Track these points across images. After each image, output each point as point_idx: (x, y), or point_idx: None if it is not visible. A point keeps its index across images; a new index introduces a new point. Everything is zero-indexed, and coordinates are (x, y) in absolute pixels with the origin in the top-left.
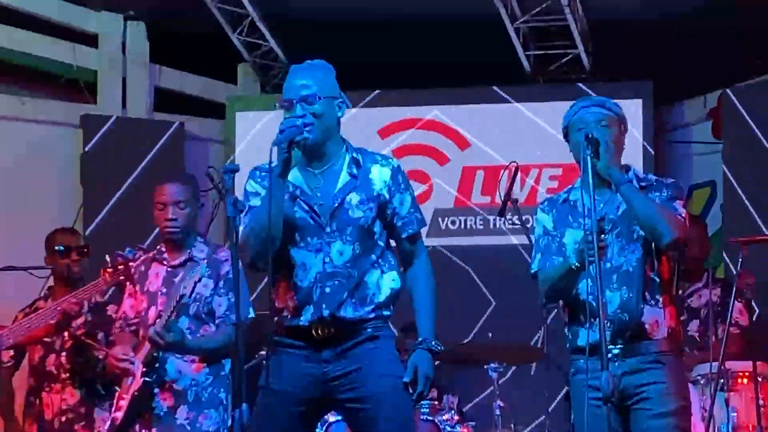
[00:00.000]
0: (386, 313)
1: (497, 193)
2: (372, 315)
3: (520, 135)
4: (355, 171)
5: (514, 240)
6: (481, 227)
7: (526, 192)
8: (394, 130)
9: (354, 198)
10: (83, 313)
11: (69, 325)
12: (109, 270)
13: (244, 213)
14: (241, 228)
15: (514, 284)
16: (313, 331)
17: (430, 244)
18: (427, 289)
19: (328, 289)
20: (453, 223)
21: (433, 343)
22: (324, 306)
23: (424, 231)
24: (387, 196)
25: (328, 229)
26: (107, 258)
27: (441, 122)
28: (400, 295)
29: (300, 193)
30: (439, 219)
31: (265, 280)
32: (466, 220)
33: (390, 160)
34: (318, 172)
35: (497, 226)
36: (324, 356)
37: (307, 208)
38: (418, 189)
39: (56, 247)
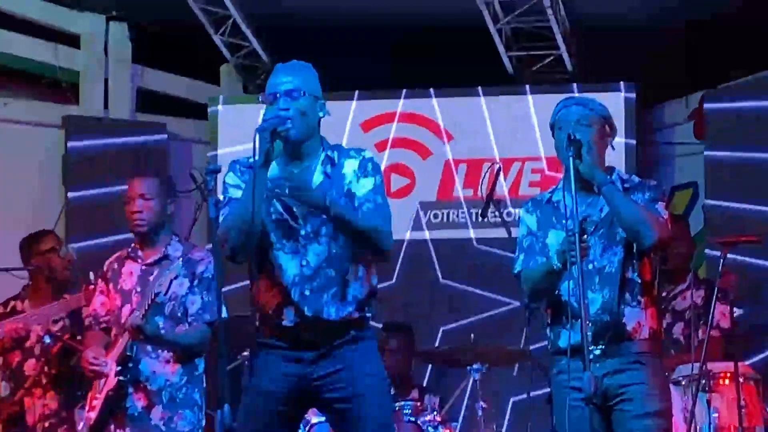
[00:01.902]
0: (369, 313)
1: (480, 187)
2: (356, 315)
3: (503, 128)
4: (329, 170)
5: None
6: (464, 220)
7: (509, 184)
8: (376, 124)
9: (330, 195)
10: (62, 318)
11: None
12: (92, 287)
13: (223, 205)
14: (220, 219)
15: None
16: (296, 333)
17: (414, 238)
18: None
19: (307, 292)
20: (435, 216)
21: (326, 197)
22: (305, 308)
23: (402, 223)
24: (355, 184)
25: (303, 232)
26: (91, 275)
27: (423, 115)
28: (377, 292)
29: (277, 187)
30: (421, 212)
31: (242, 282)
32: (448, 213)
33: (363, 152)
34: (296, 171)
35: (480, 219)
36: (307, 357)
37: (282, 208)
38: (401, 182)
39: (47, 247)
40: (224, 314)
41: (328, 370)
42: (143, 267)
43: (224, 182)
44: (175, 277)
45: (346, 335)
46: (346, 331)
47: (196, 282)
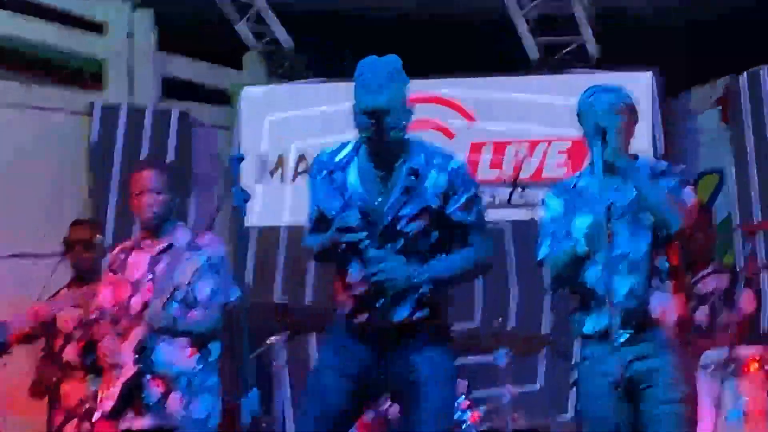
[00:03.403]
0: (442, 310)
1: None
2: (432, 313)
3: (528, 109)
4: (410, 183)
5: (523, 215)
6: (489, 200)
7: (535, 166)
8: None
9: (406, 209)
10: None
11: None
12: None
13: (308, 218)
14: (306, 236)
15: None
16: (370, 331)
17: None
18: (459, 254)
19: (382, 298)
20: None
21: (417, 272)
22: (379, 311)
23: None
24: (440, 203)
25: (378, 243)
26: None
27: (448, 98)
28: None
29: (356, 198)
30: None
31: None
32: None
33: (451, 161)
34: (381, 174)
35: (504, 200)
36: (378, 350)
37: (360, 217)
38: None
39: (75, 238)
40: (237, 293)
41: (397, 360)
42: (151, 255)
43: (310, 187)
44: (199, 267)
45: (417, 336)
46: (417, 332)
47: (204, 268)
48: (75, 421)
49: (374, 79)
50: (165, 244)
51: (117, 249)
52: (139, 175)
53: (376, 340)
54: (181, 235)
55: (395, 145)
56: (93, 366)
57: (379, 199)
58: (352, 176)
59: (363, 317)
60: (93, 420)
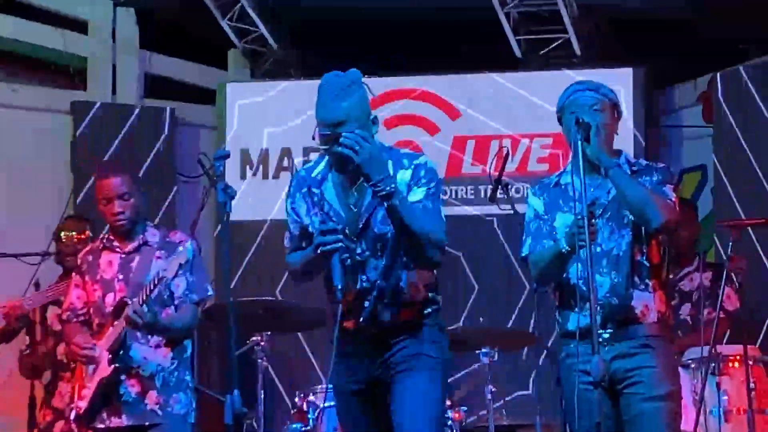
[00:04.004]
0: (428, 309)
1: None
2: (417, 312)
3: (511, 104)
4: None
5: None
6: (472, 197)
7: (517, 162)
8: (384, 101)
9: (379, 213)
10: None
11: (17, 330)
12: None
13: (288, 237)
14: (288, 254)
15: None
16: (361, 334)
17: None
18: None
19: (367, 303)
20: (444, 193)
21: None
22: (367, 316)
23: None
24: (407, 195)
25: (359, 249)
26: (78, 260)
27: (431, 92)
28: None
29: (333, 214)
30: None
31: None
32: (456, 190)
33: (417, 159)
34: (353, 187)
35: (488, 195)
36: (372, 350)
37: (339, 229)
38: None
39: (56, 235)
40: (210, 292)
41: (391, 352)
42: (122, 255)
43: (291, 204)
44: (185, 262)
45: (407, 331)
46: (408, 328)
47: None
48: (63, 420)
49: (330, 93)
50: (136, 244)
51: (85, 250)
52: (106, 182)
53: (369, 343)
54: (151, 234)
55: None
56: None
57: (354, 210)
58: (328, 191)
59: (350, 323)
60: (71, 419)
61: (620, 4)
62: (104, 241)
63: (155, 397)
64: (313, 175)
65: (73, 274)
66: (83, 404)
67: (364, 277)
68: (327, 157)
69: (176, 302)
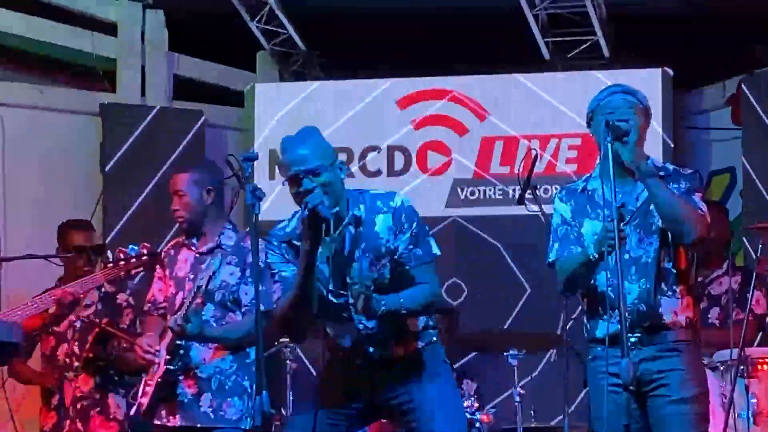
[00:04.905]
0: (427, 338)
1: (516, 167)
2: (418, 346)
3: (538, 105)
4: (353, 231)
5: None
6: (500, 197)
7: (545, 163)
8: (412, 101)
9: (364, 262)
10: (93, 303)
11: (66, 315)
12: (110, 265)
13: (274, 281)
14: (274, 297)
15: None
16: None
17: (449, 215)
18: (417, 289)
19: (371, 349)
20: (472, 193)
21: (383, 302)
22: (371, 355)
23: (438, 200)
24: (393, 242)
25: (351, 300)
26: (109, 253)
27: (459, 93)
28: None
29: (317, 272)
30: (458, 189)
31: None
32: (485, 191)
33: (392, 200)
34: (329, 239)
35: (515, 196)
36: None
37: (323, 288)
38: (439, 161)
39: (72, 247)
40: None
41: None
42: (196, 255)
43: (266, 261)
44: (213, 274)
45: (411, 363)
46: (411, 360)
47: (248, 272)
48: (68, 421)
49: (291, 147)
50: (211, 245)
51: (170, 244)
52: (171, 180)
53: (363, 371)
54: (227, 237)
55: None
56: (90, 363)
57: (335, 260)
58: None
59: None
60: (131, 413)
61: (649, 5)
62: (185, 237)
63: (209, 400)
64: (288, 230)
65: (157, 267)
66: (145, 401)
67: (361, 326)
68: (297, 214)
69: (243, 310)
